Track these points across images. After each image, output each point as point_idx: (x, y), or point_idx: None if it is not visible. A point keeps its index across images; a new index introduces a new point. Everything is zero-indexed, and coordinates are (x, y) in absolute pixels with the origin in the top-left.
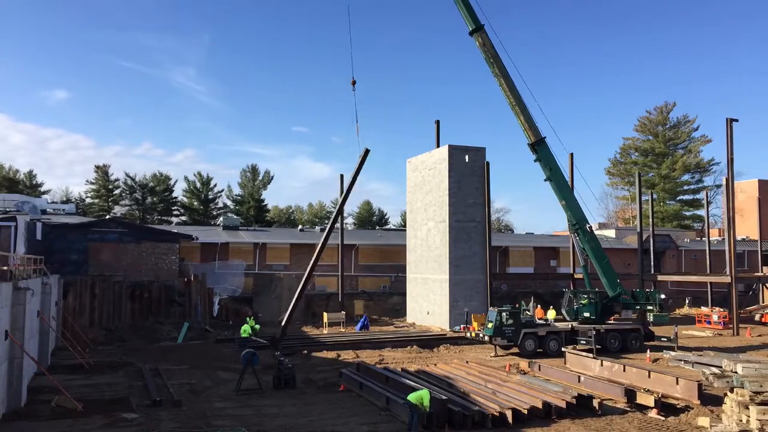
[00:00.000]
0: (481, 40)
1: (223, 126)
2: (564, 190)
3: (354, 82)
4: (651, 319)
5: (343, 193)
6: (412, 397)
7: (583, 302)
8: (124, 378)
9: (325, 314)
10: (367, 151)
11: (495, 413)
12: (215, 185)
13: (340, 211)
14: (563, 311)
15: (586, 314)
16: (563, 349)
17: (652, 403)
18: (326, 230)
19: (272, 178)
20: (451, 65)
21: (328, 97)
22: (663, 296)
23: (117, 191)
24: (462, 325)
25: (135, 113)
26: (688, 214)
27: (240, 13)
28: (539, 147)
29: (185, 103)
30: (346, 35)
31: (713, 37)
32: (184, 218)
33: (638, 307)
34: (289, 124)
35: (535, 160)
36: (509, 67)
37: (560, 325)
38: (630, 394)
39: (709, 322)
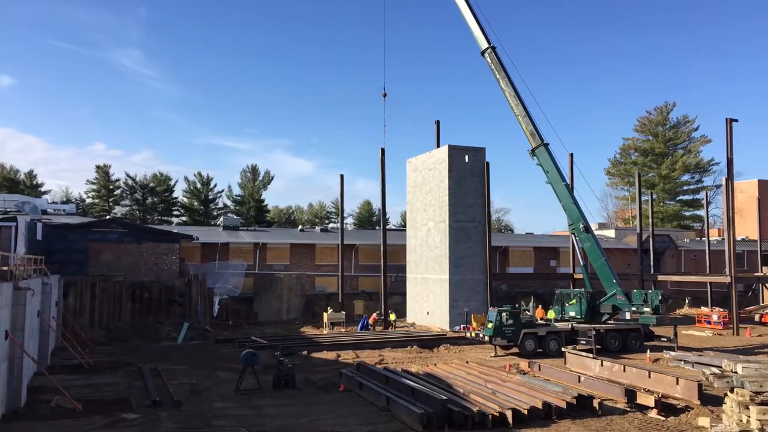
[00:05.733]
0: (490, 59)
1: (185, 115)
2: (561, 192)
3: (385, 95)
4: (639, 321)
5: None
6: None
7: (570, 302)
8: (124, 378)
9: (325, 314)
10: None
11: (495, 413)
12: (215, 185)
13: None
14: (552, 309)
15: (572, 313)
16: (563, 349)
17: (652, 403)
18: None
19: (272, 178)
20: (451, 65)
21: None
22: (661, 297)
23: (117, 191)
24: (462, 325)
25: (87, 105)
26: (687, 214)
27: None
28: (538, 151)
29: (138, 91)
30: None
31: (713, 38)
32: (184, 218)
33: (634, 308)
34: (261, 115)
35: (537, 164)
36: (519, 83)
37: (560, 325)
38: (630, 394)
39: (709, 322)
